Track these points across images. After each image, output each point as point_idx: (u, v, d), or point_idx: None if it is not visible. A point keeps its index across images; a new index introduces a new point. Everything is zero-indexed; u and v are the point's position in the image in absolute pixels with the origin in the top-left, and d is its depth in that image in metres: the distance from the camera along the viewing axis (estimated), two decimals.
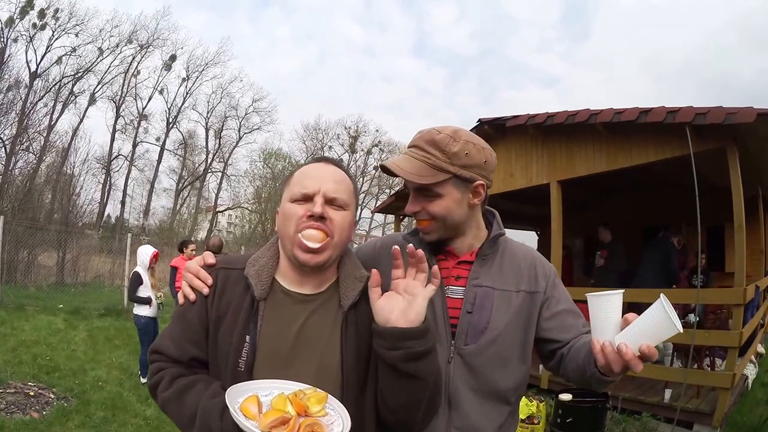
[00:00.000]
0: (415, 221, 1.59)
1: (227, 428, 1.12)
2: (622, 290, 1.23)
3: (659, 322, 1.14)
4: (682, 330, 1.12)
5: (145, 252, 6.90)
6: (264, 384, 1.21)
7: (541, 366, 6.03)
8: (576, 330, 1.54)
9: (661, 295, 1.16)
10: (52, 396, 5.53)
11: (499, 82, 79.15)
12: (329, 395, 1.20)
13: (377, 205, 13.27)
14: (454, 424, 1.48)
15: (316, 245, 1.28)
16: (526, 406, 5.14)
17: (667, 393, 5.84)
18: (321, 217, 1.29)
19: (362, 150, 46.66)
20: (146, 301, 6.58)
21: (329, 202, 1.32)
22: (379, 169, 1.57)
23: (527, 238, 13.74)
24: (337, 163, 1.47)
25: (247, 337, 1.28)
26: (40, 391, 5.62)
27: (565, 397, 4.84)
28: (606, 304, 1.23)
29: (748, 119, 4.86)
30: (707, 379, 5.81)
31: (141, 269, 6.74)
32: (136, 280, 6.66)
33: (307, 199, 1.32)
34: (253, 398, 1.13)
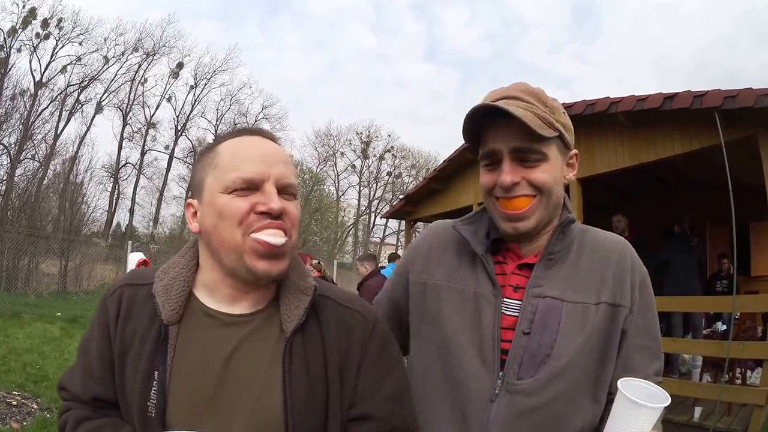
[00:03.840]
0: (498, 204, 1.16)
1: None
2: (666, 402, 0.92)
3: None
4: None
5: (132, 259, 6.91)
6: None
7: None
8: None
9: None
10: (35, 406, 5.24)
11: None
12: None
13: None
14: None
15: (281, 240, 0.98)
16: None
17: (697, 411, 5.30)
18: (280, 214, 0.97)
19: (374, 155, 46.54)
20: None
21: (282, 190, 1.00)
22: (467, 119, 1.14)
23: None
24: (274, 136, 1.11)
25: (156, 374, 0.98)
26: (23, 400, 5.35)
27: None
28: (641, 415, 0.92)
29: None
30: (741, 395, 5.30)
31: None
32: None
33: (253, 187, 0.98)
34: None
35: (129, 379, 1.01)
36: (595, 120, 6.31)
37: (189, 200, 1.07)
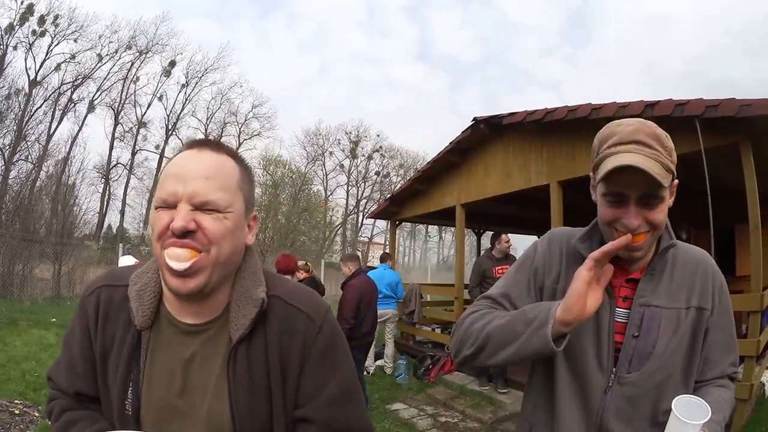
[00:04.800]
0: (617, 236, 1.28)
1: None
2: (705, 419, 1.13)
3: None
4: None
5: (124, 263, 6.68)
6: None
7: None
8: (718, 370, 1.38)
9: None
10: (37, 414, 5.29)
11: (501, 88, 79.28)
12: None
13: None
14: None
15: (184, 265, 0.98)
16: None
17: None
18: (186, 232, 0.98)
19: (363, 155, 46.54)
20: None
21: (199, 207, 1.00)
22: (609, 171, 1.22)
23: (529, 242, 13.39)
24: (216, 145, 1.10)
25: (131, 375, 1.06)
26: (25, 409, 5.39)
27: None
28: (688, 429, 1.13)
29: (763, 111, 4.53)
30: None
31: None
32: None
33: (171, 205, 1.00)
34: None
35: (111, 379, 1.08)
36: (578, 125, 6.32)
37: None
